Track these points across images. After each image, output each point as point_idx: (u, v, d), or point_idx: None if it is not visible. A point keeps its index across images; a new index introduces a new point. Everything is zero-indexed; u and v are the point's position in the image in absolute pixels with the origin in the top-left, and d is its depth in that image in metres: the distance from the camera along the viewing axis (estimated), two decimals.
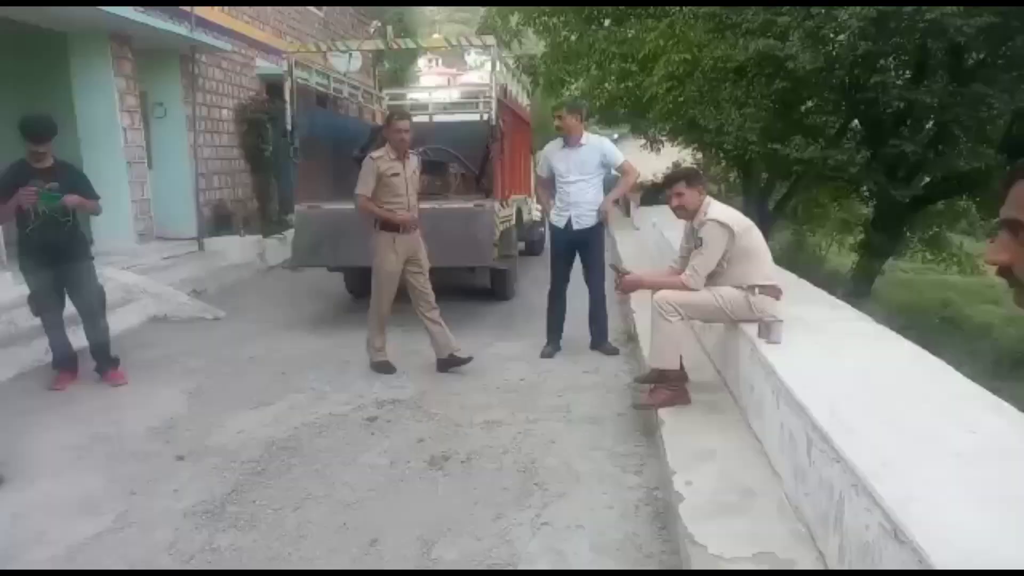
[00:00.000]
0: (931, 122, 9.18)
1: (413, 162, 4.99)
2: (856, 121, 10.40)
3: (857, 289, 10.22)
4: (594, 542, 2.80)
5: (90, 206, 4.78)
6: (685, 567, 2.47)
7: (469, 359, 5.01)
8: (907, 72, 9.16)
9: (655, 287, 3.87)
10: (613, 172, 5.41)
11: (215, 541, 2.88)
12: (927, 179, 10.17)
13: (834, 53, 8.44)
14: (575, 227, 5.22)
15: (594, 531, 2.88)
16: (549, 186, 5.46)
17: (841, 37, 8.43)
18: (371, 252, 4.91)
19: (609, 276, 4.79)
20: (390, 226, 4.83)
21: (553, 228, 5.38)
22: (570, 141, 5.15)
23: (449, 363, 5.00)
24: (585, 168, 5.14)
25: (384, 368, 5.03)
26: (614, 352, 5.38)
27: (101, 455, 3.76)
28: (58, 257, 4.62)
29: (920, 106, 8.39)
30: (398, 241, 4.84)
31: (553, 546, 2.78)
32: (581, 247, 5.30)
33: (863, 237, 11.81)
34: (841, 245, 15.75)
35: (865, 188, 10.42)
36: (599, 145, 5.24)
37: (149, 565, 2.72)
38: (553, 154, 5.26)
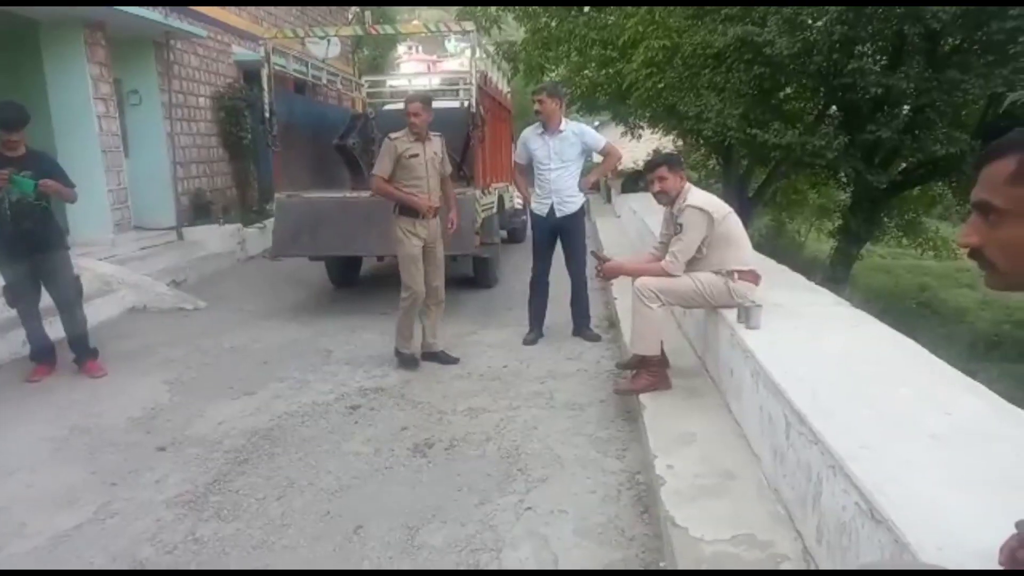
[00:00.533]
0: (907, 108, 9.27)
1: (435, 144, 4.84)
2: (834, 107, 10.47)
3: (835, 274, 10.33)
4: (577, 526, 2.83)
5: (66, 193, 4.70)
6: (667, 549, 2.51)
7: (455, 360, 4.95)
8: (884, 58, 9.22)
9: (636, 273, 3.90)
10: (595, 156, 5.41)
11: (198, 531, 2.88)
12: (903, 165, 10.29)
13: (812, 39, 8.47)
14: (557, 214, 5.23)
15: (577, 515, 2.91)
16: (527, 172, 5.45)
17: (819, 23, 8.47)
18: (390, 238, 4.86)
19: (590, 263, 4.81)
20: (410, 210, 4.72)
21: (534, 216, 5.38)
22: (549, 127, 5.14)
23: (430, 356, 4.98)
24: (565, 155, 5.14)
25: (408, 362, 4.87)
26: (596, 338, 5.40)
27: (81, 447, 3.73)
28: (33, 247, 4.55)
29: (896, 92, 8.45)
30: (418, 226, 4.74)
31: (536, 530, 2.80)
32: (563, 234, 5.32)
33: (841, 223, 11.94)
34: (819, 231, 15.90)
35: (843, 174, 10.50)
36: (580, 132, 5.23)
37: (132, 556, 2.71)
38: (532, 140, 5.23)
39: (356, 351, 5.31)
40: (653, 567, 2.55)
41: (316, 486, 3.23)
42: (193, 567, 2.64)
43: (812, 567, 2.19)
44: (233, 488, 3.23)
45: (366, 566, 2.62)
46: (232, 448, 3.65)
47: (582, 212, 5.36)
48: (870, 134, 8.69)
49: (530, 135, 5.26)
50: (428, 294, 4.87)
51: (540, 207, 5.27)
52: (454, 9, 16.54)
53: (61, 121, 7.65)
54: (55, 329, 4.96)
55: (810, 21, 8.70)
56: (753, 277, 3.73)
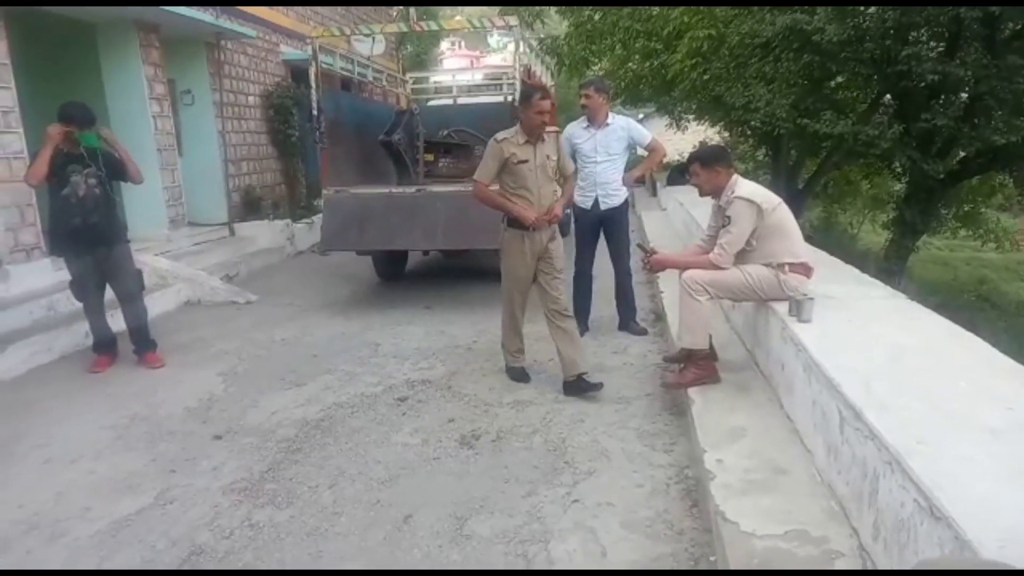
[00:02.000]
0: (965, 95, 8.94)
1: (548, 145, 4.22)
2: (888, 95, 10.17)
3: (890, 267, 10.05)
4: (625, 519, 2.82)
5: (124, 151, 4.84)
6: (717, 544, 2.49)
7: (599, 385, 4.15)
8: (940, 44, 8.91)
9: (683, 266, 3.85)
10: (640, 151, 5.37)
11: (253, 517, 2.96)
12: (961, 154, 9.94)
13: (864, 25, 8.24)
14: (602, 207, 5.20)
15: (624, 509, 2.90)
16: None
17: (871, 10, 8.24)
18: (500, 249, 4.36)
19: (635, 256, 4.77)
20: (517, 222, 4.18)
21: (579, 209, 5.36)
22: (596, 121, 5.11)
23: (578, 387, 4.14)
24: (612, 149, 5.11)
25: (518, 376, 4.46)
26: (642, 332, 5.37)
27: (141, 435, 3.86)
28: (98, 240, 4.74)
29: (953, 79, 8.16)
30: (528, 239, 4.19)
31: (584, 523, 2.81)
32: (607, 227, 5.29)
33: (896, 214, 11.59)
34: (873, 223, 15.48)
35: (897, 164, 10.20)
36: (626, 125, 5.19)
37: (191, 540, 2.80)
38: (577, 134, 5.21)
39: (402, 344, 5.37)
40: (703, 561, 2.54)
41: (366, 475, 3.29)
42: (249, 552, 2.71)
43: (868, 564, 2.15)
44: (286, 476, 3.31)
45: (415, 555, 2.66)
46: (285, 437, 3.73)
47: (626, 205, 5.33)
48: (925, 122, 8.41)
49: (575, 129, 5.23)
50: (547, 306, 4.30)
51: (584, 200, 5.25)
52: (497, 5, 16.52)
53: (118, 121, 7.89)
54: (115, 322, 5.14)
55: (862, 8, 8.46)
56: (805, 269, 3.66)
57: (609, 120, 5.11)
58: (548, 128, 4.20)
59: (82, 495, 3.22)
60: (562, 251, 4.35)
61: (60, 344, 5.34)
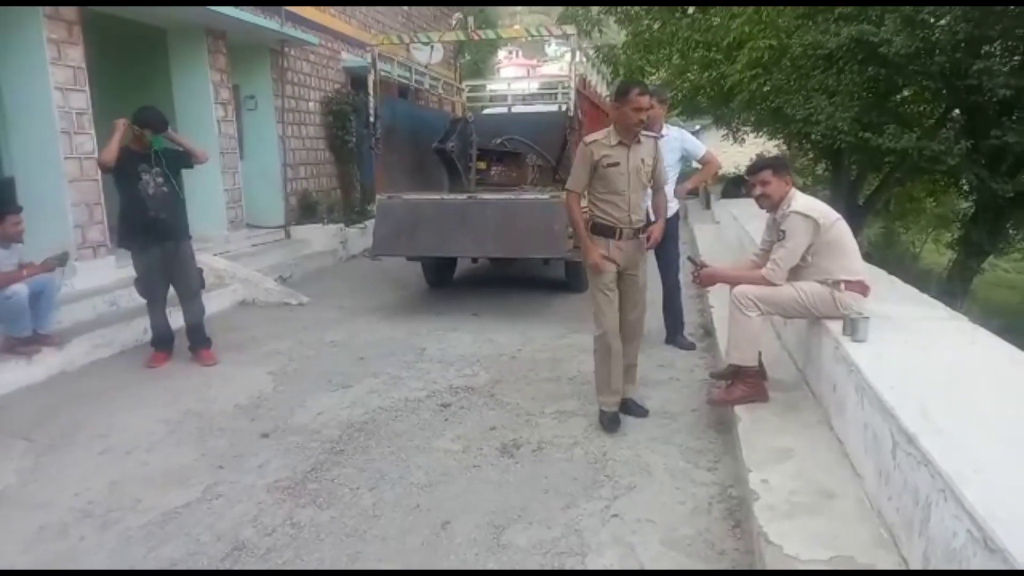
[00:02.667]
0: None
1: (644, 149, 3.81)
2: (956, 110, 9.83)
3: (952, 288, 9.69)
4: (665, 536, 2.77)
5: (188, 144, 5.17)
6: (759, 567, 2.42)
7: (645, 412, 4.00)
8: (1015, 58, 8.58)
9: (734, 281, 3.77)
10: (695, 164, 5.29)
11: (295, 516, 3.00)
12: None
13: (933, 38, 7.99)
14: (652, 218, 5.13)
15: (665, 526, 2.85)
16: None
17: (942, 22, 7.99)
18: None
19: (684, 269, 4.69)
20: (604, 228, 3.80)
21: None
22: (651, 130, 5.06)
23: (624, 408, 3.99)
24: (665, 160, 5.05)
25: (609, 424, 3.82)
26: (690, 347, 5.28)
27: (192, 430, 3.97)
28: (165, 235, 4.94)
29: None
30: (613, 248, 3.80)
31: (623, 538, 2.77)
32: None
33: (961, 233, 11.18)
34: (937, 242, 14.95)
35: (964, 181, 9.84)
36: (680, 137, 5.13)
37: (235, 536, 2.86)
38: None
39: (448, 350, 5.40)
40: None
41: (406, 480, 3.31)
42: (290, 551, 2.76)
43: None
44: (329, 477, 3.36)
45: (452, 561, 2.66)
46: (329, 439, 3.79)
47: (677, 217, 5.25)
48: (996, 139, 8.11)
49: None
50: (621, 328, 3.90)
51: None
52: (555, 12, 16.56)
53: (184, 124, 8.16)
54: (173, 319, 5.31)
55: (932, 20, 8.21)
56: (861, 287, 3.54)
57: (664, 131, 5.05)
58: (645, 133, 3.83)
59: (135, 486, 3.33)
60: (644, 272, 4.00)
61: (120, 339, 5.54)
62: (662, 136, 5.03)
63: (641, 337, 4.10)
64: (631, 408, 4.01)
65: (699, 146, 5.20)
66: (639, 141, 3.78)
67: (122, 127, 4.73)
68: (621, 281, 3.90)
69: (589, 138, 3.81)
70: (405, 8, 14.85)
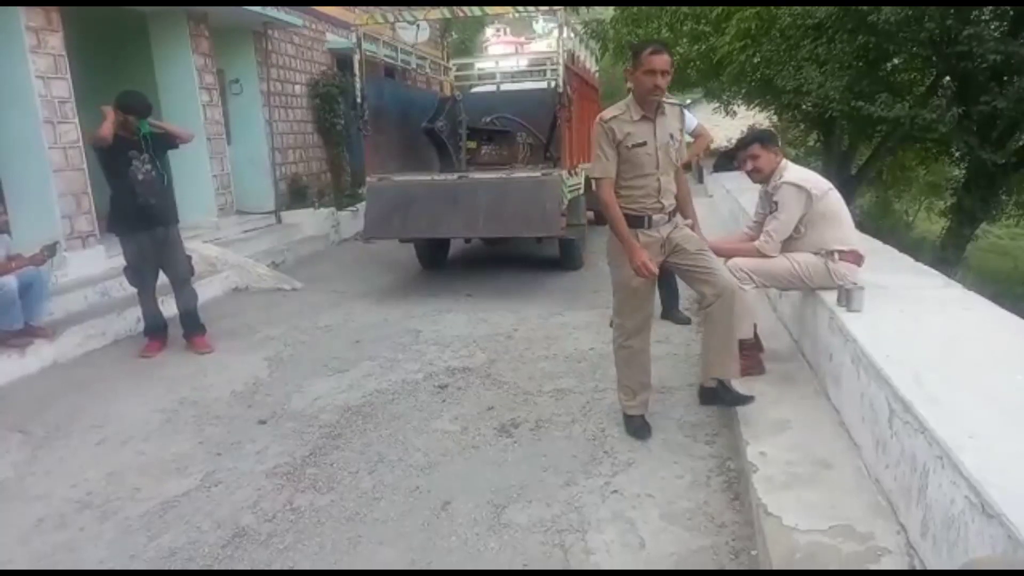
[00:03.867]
0: None
1: (670, 120, 3.30)
2: (947, 77, 9.77)
3: (946, 256, 9.69)
4: (664, 511, 2.78)
5: (174, 128, 5.15)
6: (758, 538, 2.43)
7: (747, 399, 3.27)
8: (1004, 23, 8.51)
9: (728, 254, 3.76)
10: (686, 137, 5.26)
11: (295, 501, 3.00)
12: None
13: (922, 5, 7.92)
14: None
15: (664, 500, 2.86)
16: None
17: None
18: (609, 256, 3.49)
19: None
20: (634, 219, 3.23)
21: None
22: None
23: (715, 397, 3.47)
24: None
25: (638, 431, 3.44)
26: (685, 321, 5.29)
27: (189, 418, 3.96)
28: (154, 221, 4.89)
29: (1018, 60, 7.78)
30: (643, 236, 3.24)
31: (623, 513, 2.78)
32: None
33: (953, 201, 11.17)
34: (929, 210, 14.96)
35: (956, 149, 9.81)
36: (677, 111, 5.08)
37: (235, 523, 2.86)
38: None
39: (443, 332, 5.39)
40: (744, 555, 2.49)
41: (405, 462, 3.31)
42: (290, 536, 2.76)
43: (916, 561, 2.08)
44: (328, 461, 3.35)
45: (453, 541, 2.67)
46: (327, 423, 3.78)
47: None
48: (986, 105, 8.06)
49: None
50: (704, 297, 3.32)
51: None
52: None
53: (169, 110, 8.06)
54: (166, 308, 5.28)
55: None
56: (855, 257, 3.54)
57: None
58: (667, 100, 3.26)
59: (132, 475, 3.32)
60: (697, 240, 3.38)
61: (113, 328, 5.51)
62: (687, 103, 4.98)
63: (727, 292, 3.22)
64: (727, 398, 3.32)
65: (691, 119, 5.16)
66: (663, 112, 3.25)
67: (111, 114, 4.67)
68: (674, 265, 3.37)
69: (606, 114, 3.23)
70: None
